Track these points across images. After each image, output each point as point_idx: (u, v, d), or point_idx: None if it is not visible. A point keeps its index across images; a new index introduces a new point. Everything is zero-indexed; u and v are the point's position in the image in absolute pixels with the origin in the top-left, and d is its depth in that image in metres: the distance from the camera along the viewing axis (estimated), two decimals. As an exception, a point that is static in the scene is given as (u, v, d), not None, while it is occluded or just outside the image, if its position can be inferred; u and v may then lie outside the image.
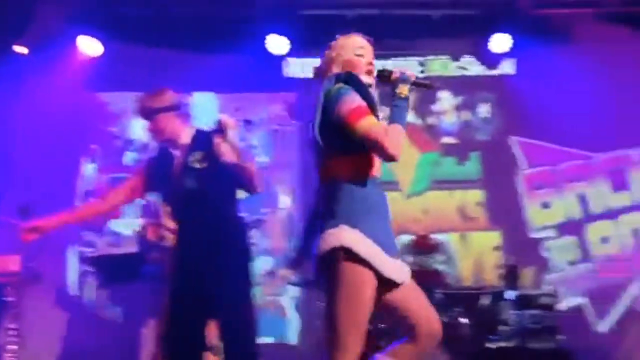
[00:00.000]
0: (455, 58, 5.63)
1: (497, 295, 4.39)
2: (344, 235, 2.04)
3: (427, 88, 2.24)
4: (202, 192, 2.88)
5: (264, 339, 5.00)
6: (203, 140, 2.93)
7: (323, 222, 2.13)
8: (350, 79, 2.18)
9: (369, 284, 2.06)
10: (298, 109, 5.57)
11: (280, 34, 5.25)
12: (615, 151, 5.58)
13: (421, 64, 5.66)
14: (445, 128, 5.61)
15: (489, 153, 5.51)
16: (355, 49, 2.28)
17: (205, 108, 5.31)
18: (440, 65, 5.65)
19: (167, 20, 5.23)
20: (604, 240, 5.49)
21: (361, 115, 2.07)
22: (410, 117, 5.61)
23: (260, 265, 5.23)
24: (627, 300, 5.34)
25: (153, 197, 3.26)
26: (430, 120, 5.62)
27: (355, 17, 5.29)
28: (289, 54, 5.42)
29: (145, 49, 5.22)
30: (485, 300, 4.29)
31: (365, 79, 2.21)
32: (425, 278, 4.60)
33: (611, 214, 5.53)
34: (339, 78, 2.20)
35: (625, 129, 5.35)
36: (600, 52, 5.24)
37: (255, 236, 5.25)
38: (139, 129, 5.22)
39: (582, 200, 5.55)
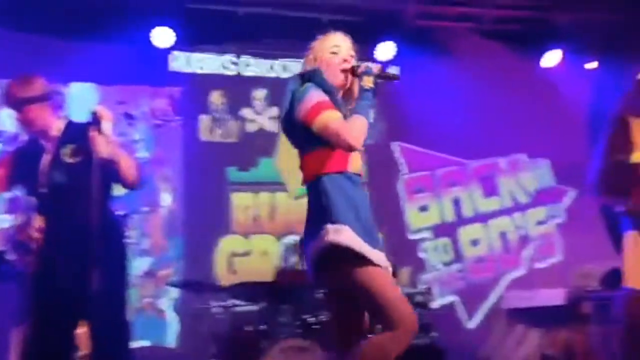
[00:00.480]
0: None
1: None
2: (331, 234, 2.09)
3: (393, 80, 2.32)
4: (73, 187, 2.73)
5: (140, 343, 4.82)
6: (76, 132, 2.78)
7: (308, 222, 2.20)
8: (313, 76, 2.23)
9: (375, 267, 2.11)
10: (182, 104, 5.43)
11: (167, 26, 5.09)
12: (486, 159, 5.95)
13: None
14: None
15: (373, 157, 5.63)
16: (330, 47, 2.31)
17: (83, 99, 5.02)
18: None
19: (46, 4, 4.89)
20: (474, 242, 5.85)
21: (319, 110, 2.12)
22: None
23: (139, 265, 5.03)
24: (493, 298, 5.71)
25: (20, 192, 3.02)
26: (317, 122, 5.68)
27: (246, 14, 5.24)
28: (175, 48, 5.27)
29: (20, 33, 4.85)
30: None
31: (340, 76, 2.26)
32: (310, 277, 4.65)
33: (481, 218, 5.89)
34: (303, 77, 2.25)
35: (495, 138, 5.72)
36: (476, 65, 5.57)
37: (133, 235, 5.05)
38: (6, 118, 4.83)
39: (456, 204, 5.87)
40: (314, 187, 2.18)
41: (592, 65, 5.89)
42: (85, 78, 5.13)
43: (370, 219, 2.22)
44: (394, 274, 5.00)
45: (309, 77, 2.24)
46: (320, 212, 2.15)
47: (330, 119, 2.12)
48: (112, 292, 2.71)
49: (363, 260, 2.10)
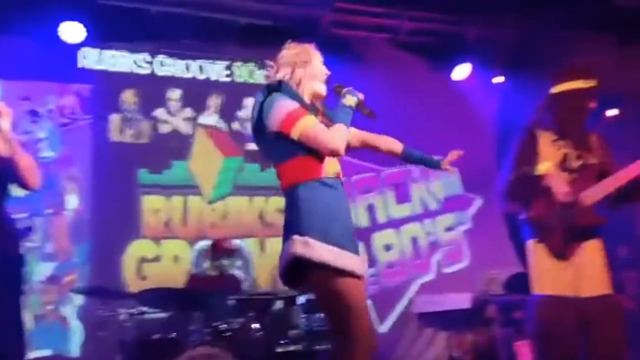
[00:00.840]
0: (262, 66, 5.72)
1: (290, 300, 4.51)
2: (296, 246, 2.09)
3: (368, 115, 2.37)
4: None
5: (41, 352, 4.58)
6: None
7: (284, 231, 2.19)
8: (280, 87, 2.26)
9: (345, 278, 2.10)
10: (92, 102, 5.21)
11: (77, 21, 4.87)
12: (399, 166, 6.10)
13: (228, 67, 5.65)
14: (250, 135, 5.65)
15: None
16: (320, 60, 2.42)
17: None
18: (247, 72, 5.70)
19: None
20: (387, 247, 5.97)
21: (295, 120, 2.15)
22: (215, 121, 5.59)
23: (41, 270, 4.79)
24: (404, 302, 5.85)
25: None
26: (235, 126, 5.64)
27: (159, 13, 5.12)
28: (85, 44, 5.05)
29: None
30: (278, 305, 4.38)
31: (323, 85, 2.37)
32: (222, 283, 4.58)
33: (394, 224, 6.03)
34: (270, 89, 2.26)
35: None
36: (390, 75, 5.70)
37: (36, 239, 4.79)
38: None
39: (371, 210, 5.98)
40: (290, 196, 2.20)
41: (499, 79, 6.18)
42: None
43: (348, 223, 2.23)
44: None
45: (276, 87, 2.27)
46: (291, 222, 2.16)
47: (308, 125, 2.15)
48: (5, 299, 2.55)
49: (332, 272, 2.10)
